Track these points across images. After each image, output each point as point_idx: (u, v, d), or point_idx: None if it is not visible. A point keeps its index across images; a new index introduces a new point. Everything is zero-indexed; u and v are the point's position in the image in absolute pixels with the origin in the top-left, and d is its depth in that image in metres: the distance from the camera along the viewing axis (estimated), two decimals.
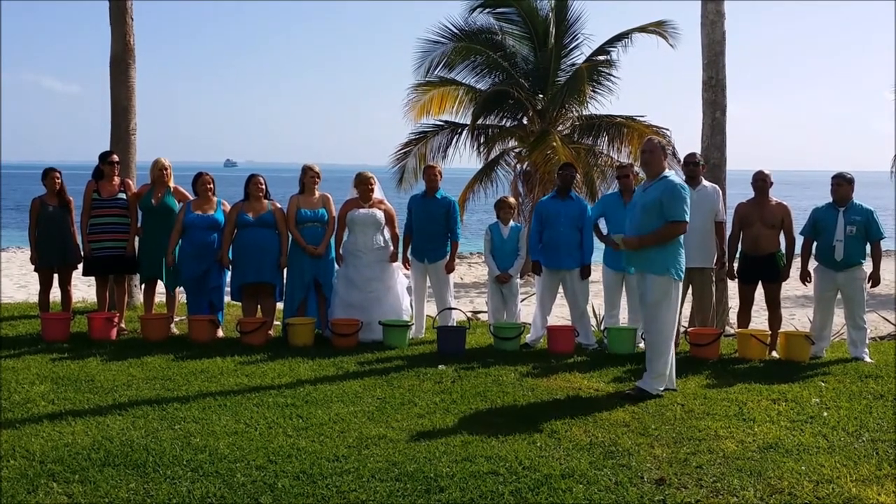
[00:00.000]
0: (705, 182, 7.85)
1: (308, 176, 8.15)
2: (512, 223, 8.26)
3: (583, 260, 7.92)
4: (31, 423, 5.17)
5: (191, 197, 8.30)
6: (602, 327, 8.36)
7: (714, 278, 8.05)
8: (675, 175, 6.08)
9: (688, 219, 5.98)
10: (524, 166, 18.53)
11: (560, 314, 10.12)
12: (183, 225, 8.05)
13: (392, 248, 8.19)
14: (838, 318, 7.90)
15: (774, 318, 7.81)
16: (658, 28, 17.60)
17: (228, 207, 8.21)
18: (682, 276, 6.05)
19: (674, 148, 17.54)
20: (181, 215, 8.08)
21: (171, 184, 8.40)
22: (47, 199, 8.36)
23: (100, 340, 7.84)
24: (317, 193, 8.20)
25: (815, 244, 7.64)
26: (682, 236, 6.04)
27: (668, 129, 17.96)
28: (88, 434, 4.94)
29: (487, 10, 18.36)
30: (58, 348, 7.47)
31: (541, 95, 18.63)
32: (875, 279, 7.52)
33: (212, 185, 8.22)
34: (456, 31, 18.38)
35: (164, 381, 6.29)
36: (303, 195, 8.16)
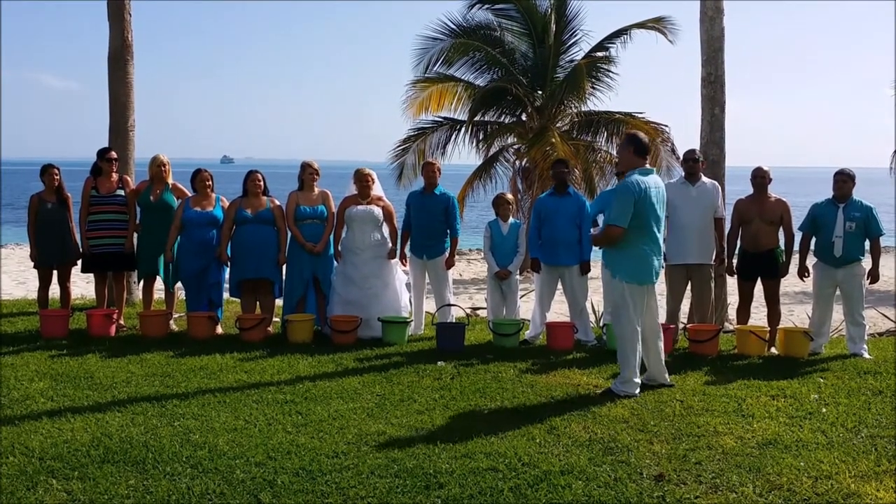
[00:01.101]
0: (704, 178, 7.86)
1: (307, 173, 8.14)
2: (511, 220, 8.26)
3: (582, 256, 7.91)
4: (30, 419, 5.17)
5: (189, 193, 8.30)
6: (601, 323, 8.36)
7: (713, 274, 8.06)
8: (636, 175, 5.80)
9: (623, 224, 5.73)
10: (523, 163, 18.51)
11: (559, 311, 10.12)
12: (182, 221, 8.04)
13: (391, 244, 8.19)
14: (837, 314, 7.90)
15: (773, 315, 7.81)
16: (657, 24, 17.56)
17: (227, 204, 8.20)
18: (641, 281, 5.83)
19: (673, 144, 17.55)
20: (179, 211, 8.07)
21: (170, 180, 8.40)
22: (46, 196, 8.35)
23: (99, 337, 7.84)
24: (316, 190, 8.19)
25: (813, 240, 7.64)
26: (645, 239, 5.78)
27: (667, 126, 17.95)
28: (88, 431, 4.94)
29: (486, 6, 18.32)
30: (57, 345, 7.46)
31: (540, 92, 18.59)
32: (874, 276, 7.52)
33: (210, 182, 8.21)
34: (455, 27, 18.34)
35: (163, 377, 6.29)
36: (302, 192, 8.16)
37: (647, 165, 5.95)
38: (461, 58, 18.32)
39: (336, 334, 7.72)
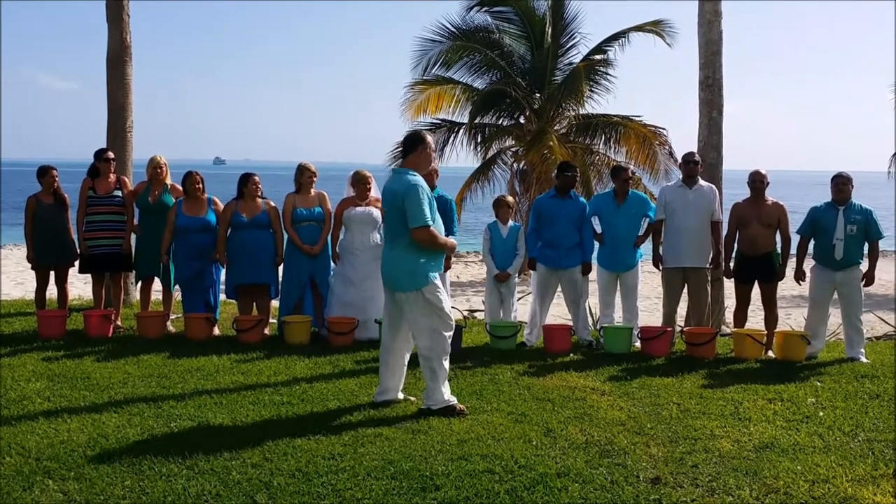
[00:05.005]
0: (702, 181, 7.87)
1: (305, 176, 8.11)
2: (511, 222, 8.26)
3: (584, 257, 7.90)
4: (26, 420, 5.16)
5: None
6: (598, 326, 8.36)
7: (710, 278, 8.06)
8: None
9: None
10: (521, 165, 18.52)
11: (556, 313, 10.12)
12: (175, 227, 8.03)
13: None
14: (835, 318, 7.91)
15: (770, 318, 7.82)
16: (655, 27, 17.60)
17: (220, 205, 8.18)
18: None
19: (670, 147, 17.58)
20: (172, 216, 8.04)
21: (168, 181, 8.39)
22: (43, 197, 8.34)
23: (96, 338, 7.82)
24: (312, 192, 8.18)
25: (811, 243, 7.65)
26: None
27: (664, 129, 17.98)
28: (84, 431, 4.93)
29: (485, 8, 18.36)
30: (54, 345, 7.45)
31: (538, 94, 18.63)
32: (869, 278, 7.52)
33: (201, 185, 8.17)
34: (453, 29, 18.37)
35: (160, 378, 6.28)
36: (299, 194, 8.14)
37: (410, 166, 5.47)
38: (459, 60, 18.35)
39: (333, 336, 7.71)
